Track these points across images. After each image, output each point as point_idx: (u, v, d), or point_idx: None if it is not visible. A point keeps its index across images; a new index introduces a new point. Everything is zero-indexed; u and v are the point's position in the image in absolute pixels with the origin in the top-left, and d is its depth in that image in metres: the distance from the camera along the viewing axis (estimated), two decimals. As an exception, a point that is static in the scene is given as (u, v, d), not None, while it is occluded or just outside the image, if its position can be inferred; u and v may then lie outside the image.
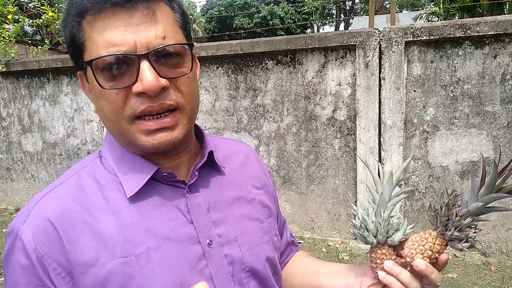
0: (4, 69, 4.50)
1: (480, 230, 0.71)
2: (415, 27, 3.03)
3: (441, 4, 14.30)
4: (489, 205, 0.68)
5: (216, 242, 0.73)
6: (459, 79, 3.04)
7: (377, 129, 3.25)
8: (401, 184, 3.15)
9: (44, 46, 5.08)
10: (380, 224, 0.73)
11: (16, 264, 0.64)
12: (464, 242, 0.69)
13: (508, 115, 2.96)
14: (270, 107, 3.63)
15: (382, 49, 3.14)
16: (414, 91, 3.17)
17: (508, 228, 3.12)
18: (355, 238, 3.57)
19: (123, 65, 0.62)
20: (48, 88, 4.52)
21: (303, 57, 3.45)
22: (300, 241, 3.65)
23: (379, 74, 3.19)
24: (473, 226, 0.70)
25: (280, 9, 19.60)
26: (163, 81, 0.63)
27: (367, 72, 3.21)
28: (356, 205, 0.80)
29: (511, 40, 2.88)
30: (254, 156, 0.95)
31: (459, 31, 2.91)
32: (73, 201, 0.68)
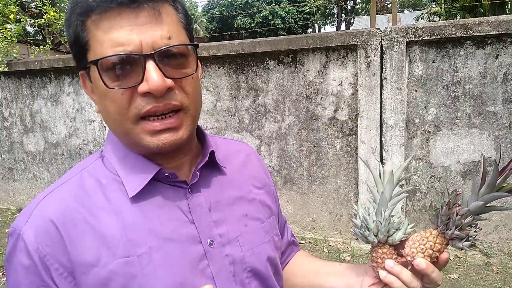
0: (6, 69, 4.51)
1: (481, 229, 0.71)
2: (417, 27, 3.03)
3: (443, 4, 14.28)
4: (490, 204, 0.69)
5: (217, 242, 0.73)
6: (460, 79, 3.04)
7: (379, 129, 3.25)
8: (403, 185, 3.15)
9: (46, 46, 5.08)
10: (381, 224, 0.74)
11: (18, 264, 0.65)
12: (465, 241, 0.70)
13: (510, 115, 2.96)
14: (272, 107, 3.63)
15: (384, 49, 3.14)
16: (416, 91, 3.17)
17: (510, 229, 3.12)
18: (357, 239, 3.57)
19: (129, 65, 0.62)
20: (50, 88, 4.53)
21: (304, 57, 3.45)
22: (301, 242, 3.65)
23: (381, 74, 3.19)
24: (474, 225, 0.70)
25: (282, 9, 19.60)
26: (169, 82, 0.63)
27: (368, 72, 3.21)
28: (357, 205, 0.80)
29: (513, 40, 2.87)
30: (255, 156, 0.95)
31: (461, 31, 2.90)
32: (75, 201, 0.68)
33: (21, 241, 0.65)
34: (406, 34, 3.05)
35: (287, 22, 19.63)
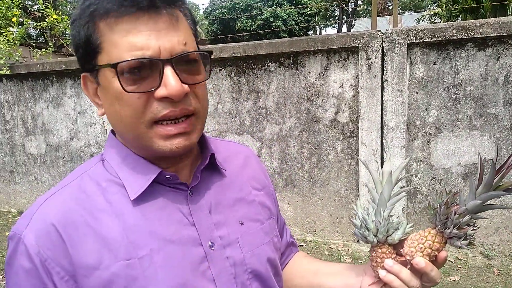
0: (8, 71, 4.52)
1: (479, 227, 0.72)
2: (418, 29, 3.03)
3: (444, 6, 14.28)
4: (487, 203, 0.70)
5: (218, 244, 0.73)
6: (461, 81, 3.03)
7: (380, 131, 3.25)
8: (403, 186, 3.14)
9: (48, 48, 5.11)
10: (380, 223, 0.74)
11: (19, 268, 0.64)
12: (463, 240, 0.71)
13: (511, 117, 2.95)
14: (273, 109, 3.63)
15: (385, 51, 3.14)
16: (417, 93, 3.17)
17: (511, 231, 3.11)
18: (358, 241, 3.57)
19: (147, 69, 0.62)
20: (52, 90, 4.54)
21: (305, 59, 3.45)
22: (302, 244, 3.65)
23: (382, 76, 3.19)
24: (471, 224, 0.71)
25: (283, 11, 19.63)
26: (186, 87, 0.64)
27: (369, 74, 3.21)
28: (356, 205, 0.81)
29: (514, 42, 2.87)
30: (254, 157, 0.96)
31: (462, 32, 2.91)
32: (76, 204, 0.68)
33: (21, 245, 0.64)
34: (407, 36, 3.05)
35: (289, 24, 19.64)
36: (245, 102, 3.72)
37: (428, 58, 3.09)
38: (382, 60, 3.17)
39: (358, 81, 3.28)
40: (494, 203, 0.70)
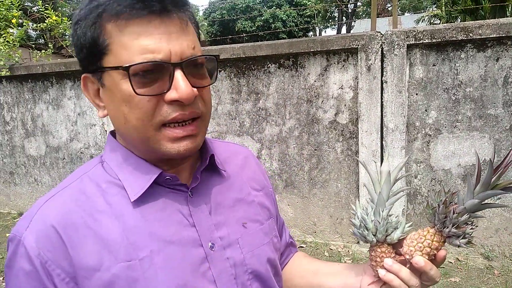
0: (8, 73, 4.52)
1: (477, 226, 0.73)
2: (417, 30, 3.04)
3: (443, 7, 14.29)
4: (485, 201, 0.70)
5: (218, 245, 0.74)
6: (461, 82, 3.04)
7: (379, 133, 3.25)
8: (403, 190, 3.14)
9: (48, 50, 5.11)
10: (379, 223, 0.75)
11: (19, 270, 0.64)
12: (462, 238, 0.71)
13: (510, 118, 2.96)
14: (272, 110, 3.63)
15: (384, 52, 3.14)
16: (416, 94, 3.17)
17: (511, 232, 3.11)
18: (358, 242, 3.57)
19: (158, 72, 0.63)
20: (52, 92, 4.54)
21: (305, 60, 3.46)
22: (302, 245, 3.65)
23: (381, 77, 3.19)
24: (470, 223, 0.72)
25: (282, 12, 19.64)
26: (195, 90, 0.65)
27: (369, 75, 3.21)
28: (355, 205, 0.82)
29: (513, 43, 2.88)
30: (253, 158, 0.96)
31: (461, 34, 2.91)
32: (76, 206, 0.68)
33: (21, 247, 0.64)
34: (406, 38, 3.05)
35: (288, 26, 19.66)
36: (244, 103, 3.72)
37: (428, 59, 3.10)
38: (382, 61, 3.17)
39: (357, 82, 3.29)
40: (492, 202, 0.72)
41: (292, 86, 3.53)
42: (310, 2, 21.10)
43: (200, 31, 0.76)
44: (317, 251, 3.53)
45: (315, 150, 3.55)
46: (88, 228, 0.66)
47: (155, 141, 0.67)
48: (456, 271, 3.09)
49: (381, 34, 3.17)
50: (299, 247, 3.53)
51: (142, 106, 0.63)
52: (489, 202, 0.71)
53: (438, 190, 0.76)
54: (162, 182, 0.72)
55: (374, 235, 0.76)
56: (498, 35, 2.83)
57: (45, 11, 4.90)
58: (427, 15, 17.01)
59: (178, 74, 0.63)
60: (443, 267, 3.11)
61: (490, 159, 0.66)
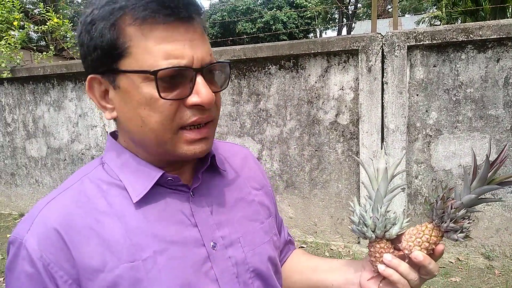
0: (9, 75, 4.54)
1: (474, 220, 0.74)
2: (418, 32, 3.04)
3: (444, 8, 14.30)
4: (482, 196, 0.72)
5: (220, 244, 0.74)
6: (462, 83, 3.04)
7: (380, 133, 3.26)
8: (404, 188, 3.15)
9: (49, 52, 5.11)
10: (378, 219, 0.76)
11: (21, 272, 0.64)
12: (460, 233, 0.73)
13: (511, 118, 2.96)
14: (273, 111, 3.64)
15: (385, 53, 3.15)
16: (417, 95, 3.18)
17: (512, 232, 3.11)
18: (358, 242, 3.57)
19: (181, 77, 0.64)
20: (53, 93, 4.56)
21: (305, 62, 3.46)
22: (303, 245, 3.65)
23: (382, 79, 3.20)
24: (467, 217, 0.73)
25: (283, 14, 19.66)
26: (214, 95, 0.67)
27: (369, 76, 3.22)
28: (353, 202, 0.83)
29: (513, 44, 2.88)
30: (252, 157, 0.97)
31: (462, 35, 2.92)
32: (77, 208, 0.68)
33: (23, 250, 0.64)
34: (407, 39, 3.06)
35: (289, 27, 19.67)
36: (245, 104, 3.73)
37: (428, 60, 3.10)
38: (382, 62, 3.18)
39: (358, 84, 3.29)
40: (488, 197, 0.73)
41: (292, 87, 3.54)
42: (310, 4, 21.13)
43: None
44: (317, 251, 3.53)
45: (315, 150, 3.56)
46: (91, 230, 0.66)
47: (172, 143, 0.68)
48: (457, 271, 3.09)
49: (382, 35, 3.18)
50: (300, 248, 3.53)
51: (164, 110, 0.64)
52: (485, 197, 0.72)
53: (436, 186, 0.77)
54: (164, 183, 0.72)
55: (373, 231, 0.77)
56: (498, 36, 2.84)
57: (47, 13, 4.91)
58: (427, 17, 17.01)
59: (200, 80, 0.65)
60: (443, 267, 3.12)
61: (486, 154, 0.68)
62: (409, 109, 3.20)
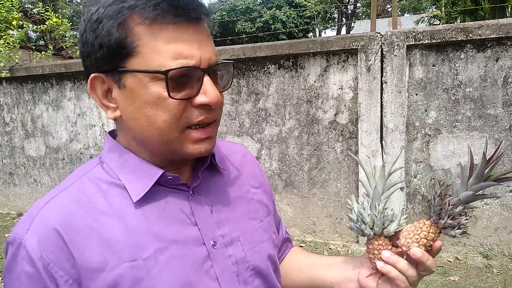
0: (8, 74, 4.53)
1: (471, 217, 0.75)
2: (417, 31, 3.04)
3: (443, 8, 14.30)
4: (479, 192, 0.73)
5: (220, 243, 0.74)
6: (461, 82, 3.04)
7: (379, 133, 3.26)
8: (403, 188, 3.15)
9: (48, 51, 5.10)
10: (376, 217, 0.77)
11: (21, 273, 0.64)
12: (457, 229, 0.74)
13: (510, 118, 2.96)
14: (272, 111, 3.64)
15: (384, 53, 3.15)
16: (416, 94, 3.18)
17: (510, 231, 3.11)
18: (357, 241, 3.57)
19: (189, 77, 0.65)
20: (52, 93, 4.55)
21: (305, 61, 3.46)
22: (302, 245, 3.65)
23: (381, 78, 3.20)
24: (463, 214, 0.74)
25: (282, 14, 19.66)
26: (220, 95, 0.68)
27: (369, 75, 3.22)
28: (351, 200, 0.84)
29: (512, 43, 2.88)
30: (250, 156, 0.97)
31: (461, 34, 2.92)
32: (77, 207, 0.67)
33: (23, 250, 0.64)
34: (406, 38, 3.06)
35: (288, 27, 19.67)
36: (244, 104, 3.72)
37: (427, 60, 3.10)
38: (382, 62, 3.18)
39: (357, 83, 3.29)
40: (485, 193, 0.74)
41: (292, 86, 3.54)
42: (309, 3, 21.13)
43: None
44: (316, 251, 3.53)
45: (314, 150, 3.55)
46: (91, 229, 0.66)
47: (178, 142, 0.68)
48: (455, 270, 3.09)
49: (381, 35, 3.18)
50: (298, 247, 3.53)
51: (172, 109, 0.65)
52: (482, 193, 0.73)
53: (433, 183, 0.78)
54: (164, 182, 0.72)
55: (371, 229, 0.78)
56: (497, 36, 2.84)
57: (45, 13, 4.90)
58: (426, 16, 17.02)
59: (207, 80, 0.65)
60: (442, 266, 3.12)
61: (483, 152, 0.69)
62: (408, 109, 3.20)
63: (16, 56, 4.70)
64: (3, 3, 4.79)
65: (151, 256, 0.67)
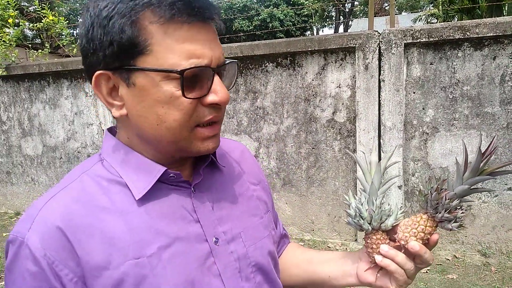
0: (4, 73, 4.51)
1: (466, 210, 0.76)
2: (415, 29, 3.04)
3: (440, 6, 14.33)
4: (474, 186, 0.75)
5: (222, 239, 0.75)
6: (458, 80, 3.05)
7: (377, 131, 3.26)
8: (400, 186, 3.15)
9: (45, 49, 5.08)
10: (374, 211, 0.78)
11: (24, 272, 0.63)
12: (454, 222, 0.75)
13: (507, 116, 2.97)
14: (270, 109, 3.64)
15: (382, 51, 3.15)
16: (414, 92, 3.18)
17: (508, 229, 3.12)
18: (356, 240, 3.58)
19: (200, 77, 0.65)
20: (48, 91, 4.53)
21: (302, 59, 3.46)
22: (300, 243, 3.65)
23: (379, 76, 3.20)
24: (459, 207, 0.75)
25: (280, 12, 19.64)
26: (229, 94, 0.69)
27: (366, 74, 3.22)
28: (348, 196, 0.85)
29: (510, 41, 2.89)
30: (248, 153, 0.98)
31: (458, 33, 2.92)
32: (79, 205, 0.67)
33: (25, 249, 0.63)
34: (404, 36, 3.06)
35: (286, 25, 19.65)
36: (242, 102, 3.72)
37: (425, 58, 3.11)
38: (379, 60, 3.18)
39: (355, 81, 3.29)
40: (480, 187, 0.76)
41: (289, 85, 3.53)
42: (307, 2, 21.11)
43: None
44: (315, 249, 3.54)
45: (313, 148, 3.55)
46: (94, 227, 0.66)
47: (187, 141, 0.69)
48: (454, 268, 3.10)
49: (379, 33, 3.18)
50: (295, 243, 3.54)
51: (183, 108, 0.65)
52: (477, 187, 0.75)
53: (429, 178, 0.79)
54: (165, 180, 0.72)
55: (369, 223, 0.79)
56: (495, 34, 2.84)
57: (42, 11, 4.88)
58: (424, 14, 17.06)
59: (217, 79, 0.67)
60: (440, 264, 3.13)
61: (478, 147, 0.71)
62: (406, 107, 3.21)
63: (13, 55, 4.68)
64: (-1, 1, 4.77)
65: (155, 253, 0.67)
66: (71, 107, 4.45)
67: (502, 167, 0.72)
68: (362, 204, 0.80)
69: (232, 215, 0.79)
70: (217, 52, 0.66)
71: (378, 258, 0.77)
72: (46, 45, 5.25)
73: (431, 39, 2.99)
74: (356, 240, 3.59)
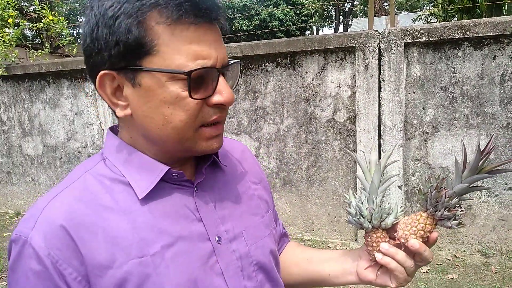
0: (4, 73, 4.51)
1: (466, 208, 0.77)
2: (414, 29, 3.04)
3: (440, 6, 14.33)
4: (473, 185, 0.76)
5: (224, 238, 0.75)
6: (458, 80, 3.05)
7: (377, 131, 3.26)
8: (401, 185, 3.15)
9: (45, 49, 5.08)
10: (374, 210, 0.79)
11: (28, 271, 0.63)
12: (453, 220, 0.76)
13: (507, 115, 2.97)
14: (270, 109, 3.64)
15: (382, 51, 3.15)
16: (414, 92, 3.18)
17: (508, 229, 3.13)
18: (356, 240, 3.58)
19: (205, 77, 0.65)
20: (49, 91, 4.53)
21: (302, 59, 3.46)
22: (300, 243, 3.65)
23: (379, 76, 3.20)
24: (458, 205, 0.76)
25: (280, 12, 19.64)
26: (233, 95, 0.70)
27: (366, 73, 3.22)
28: (348, 194, 0.86)
29: (510, 41, 2.89)
30: (248, 152, 0.98)
31: (458, 32, 2.92)
32: (83, 204, 0.67)
33: (28, 248, 0.63)
34: (404, 36, 3.06)
35: (285, 25, 19.65)
36: (242, 102, 3.72)
37: (425, 58, 3.11)
38: (379, 59, 3.18)
39: (355, 81, 3.29)
40: (479, 185, 0.76)
41: (289, 84, 3.53)
42: (307, 1, 21.11)
43: None
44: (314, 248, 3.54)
45: (313, 148, 3.56)
46: (97, 226, 0.66)
47: (192, 140, 0.69)
48: (454, 268, 3.10)
49: (379, 32, 3.18)
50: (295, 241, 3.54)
51: (189, 109, 0.65)
52: (476, 185, 0.76)
53: (429, 176, 0.80)
54: (168, 179, 0.72)
55: (370, 222, 0.79)
56: (494, 34, 2.84)
57: (42, 11, 4.88)
58: (424, 14, 17.06)
59: (222, 80, 0.67)
60: (440, 264, 3.13)
61: (478, 145, 0.71)
62: (406, 107, 3.21)
63: (13, 55, 4.68)
64: (-1, 1, 4.77)
65: (158, 252, 0.67)
66: (71, 107, 4.45)
67: (501, 165, 0.73)
68: (362, 203, 0.80)
69: (234, 214, 0.79)
70: (221, 53, 0.67)
71: (378, 256, 0.78)
72: (46, 45, 5.25)
73: (431, 39, 2.99)
74: (356, 240, 3.59)
